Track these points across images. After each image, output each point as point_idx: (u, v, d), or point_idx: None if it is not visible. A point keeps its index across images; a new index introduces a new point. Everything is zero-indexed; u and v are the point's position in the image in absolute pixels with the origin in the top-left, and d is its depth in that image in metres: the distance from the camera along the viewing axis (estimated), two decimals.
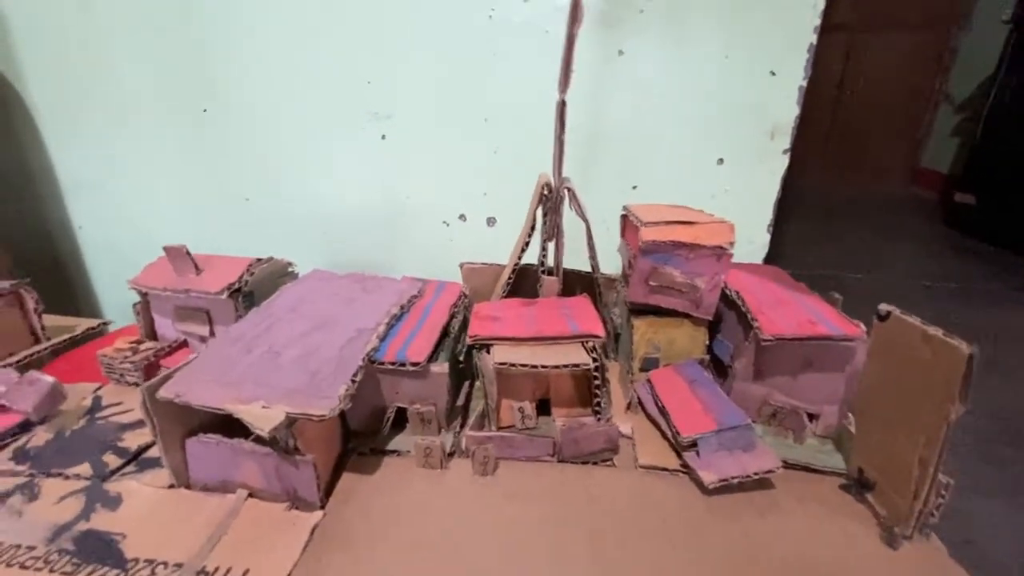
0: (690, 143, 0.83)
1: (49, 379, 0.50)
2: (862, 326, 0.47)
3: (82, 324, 0.73)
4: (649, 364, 0.56)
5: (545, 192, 0.56)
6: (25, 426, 0.50)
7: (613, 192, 0.85)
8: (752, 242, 0.88)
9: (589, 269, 0.63)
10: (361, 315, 0.52)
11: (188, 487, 0.44)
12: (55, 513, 0.41)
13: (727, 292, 0.57)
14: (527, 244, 0.58)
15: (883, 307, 0.43)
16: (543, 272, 0.59)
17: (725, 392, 0.52)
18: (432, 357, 0.49)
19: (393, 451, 0.48)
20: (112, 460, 0.46)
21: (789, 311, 0.52)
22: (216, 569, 0.37)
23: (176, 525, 0.40)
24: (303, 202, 0.94)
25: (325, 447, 0.45)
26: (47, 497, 0.43)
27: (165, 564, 0.37)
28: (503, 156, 0.86)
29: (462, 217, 0.91)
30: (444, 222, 0.92)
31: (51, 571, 0.36)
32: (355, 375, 0.43)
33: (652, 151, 0.84)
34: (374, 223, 0.94)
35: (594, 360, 0.49)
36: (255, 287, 0.59)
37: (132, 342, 0.58)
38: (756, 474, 0.43)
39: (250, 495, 0.43)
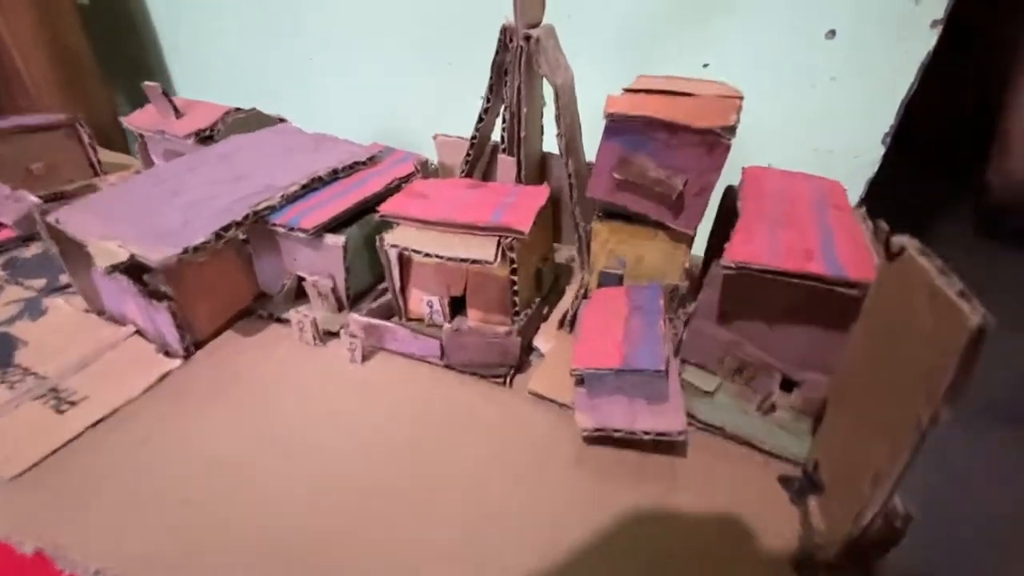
0: (788, 3, 0.60)
1: (33, 198, 0.54)
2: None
3: (137, 163, 0.80)
4: (608, 280, 0.45)
5: (503, 41, 0.44)
6: (27, 239, 0.56)
7: (677, 71, 0.67)
8: (857, 156, 0.65)
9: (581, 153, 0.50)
10: (285, 173, 0.48)
11: (100, 314, 0.46)
12: None
13: (737, 201, 0.42)
14: (485, 111, 0.48)
15: (899, 240, 0.27)
16: (502, 150, 0.49)
17: (683, 331, 0.40)
18: (337, 228, 0.44)
19: (286, 320, 0.46)
20: (65, 279, 0.50)
21: (792, 235, 0.36)
22: (65, 389, 0.38)
23: (67, 345, 0.42)
24: (363, 69, 0.89)
25: (214, 300, 0.44)
26: (1, 300, 0.48)
27: (36, 375, 0.40)
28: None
29: None
30: None
31: None
32: (225, 228, 0.40)
33: (735, 15, 0.63)
34: (421, 96, 0.87)
35: (511, 261, 0.40)
36: (229, 135, 0.57)
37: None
38: (645, 433, 0.33)
39: (138, 332, 0.44)
